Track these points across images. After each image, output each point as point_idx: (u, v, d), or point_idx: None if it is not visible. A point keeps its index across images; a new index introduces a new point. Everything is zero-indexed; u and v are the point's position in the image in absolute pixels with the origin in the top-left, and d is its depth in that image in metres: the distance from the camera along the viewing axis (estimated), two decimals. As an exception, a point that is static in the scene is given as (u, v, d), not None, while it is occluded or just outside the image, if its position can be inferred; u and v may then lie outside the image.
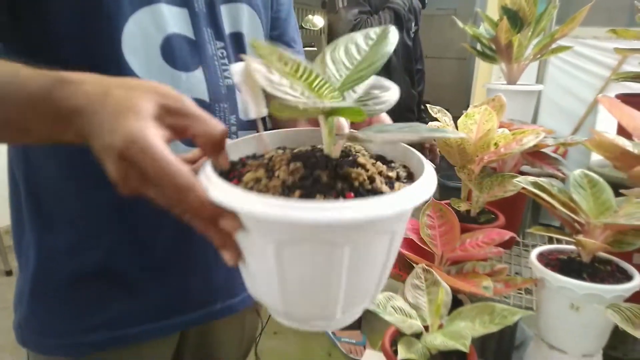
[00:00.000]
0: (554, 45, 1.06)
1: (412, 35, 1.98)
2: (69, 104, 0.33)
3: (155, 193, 0.33)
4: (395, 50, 0.39)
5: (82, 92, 0.33)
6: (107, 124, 0.31)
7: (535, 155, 0.86)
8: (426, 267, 0.63)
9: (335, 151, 0.37)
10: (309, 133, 0.45)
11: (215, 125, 0.34)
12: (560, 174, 0.81)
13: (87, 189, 0.54)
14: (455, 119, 0.79)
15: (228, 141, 0.38)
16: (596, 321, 0.58)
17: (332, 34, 2.02)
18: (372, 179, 0.35)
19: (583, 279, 0.58)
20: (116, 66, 0.49)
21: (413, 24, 1.95)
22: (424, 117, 2.14)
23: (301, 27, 3.33)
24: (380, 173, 0.36)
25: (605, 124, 1.58)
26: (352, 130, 0.41)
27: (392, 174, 0.37)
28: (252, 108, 0.41)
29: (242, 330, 0.75)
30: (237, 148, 0.42)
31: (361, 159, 0.36)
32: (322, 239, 0.31)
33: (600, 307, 0.54)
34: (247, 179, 0.35)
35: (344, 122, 0.42)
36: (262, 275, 0.35)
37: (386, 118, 0.48)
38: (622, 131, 0.74)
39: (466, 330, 0.54)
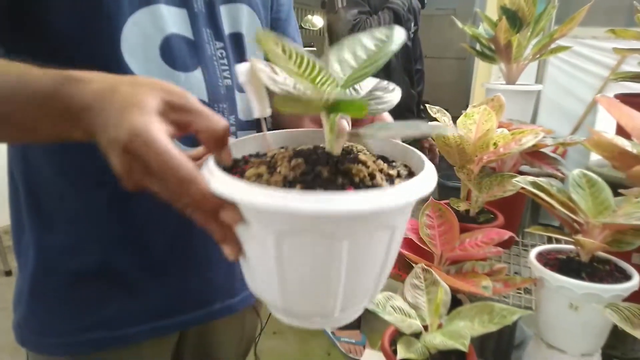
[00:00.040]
0: (553, 45, 1.06)
1: (412, 35, 1.98)
2: (77, 101, 0.34)
3: (159, 186, 0.33)
4: (394, 50, 0.39)
5: (90, 90, 0.34)
6: (113, 119, 0.32)
7: (534, 155, 0.86)
8: (425, 266, 0.63)
9: (336, 149, 0.37)
10: (312, 134, 0.45)
11: (218, 120, 0.35)
12: (559, 174, 0.81)
13: (86, 189, 0.54)
14: (455, 118, 0.80)
15: (231, 139, 0.38)
16: (595, 321, 0.58)
17: (331, 34, 2.02)
18: (372, 176, 0.35)
19: (582, 278, 0.59)
20: (115, 66, 0.49)
21: (412, 24, 1.95)
22: (424, 117, 2.13)
23: (300, 27, 3.33)
24: (381, 171, 0.36)
25: (605, 124, 1.59)
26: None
27: (393, 172, 0.37)
28: (256, 107, 0.41)
29: (242, 330, 0.75)
30: (241, 146, 0.42)
31: (362, 157, 0.37)
32: (321, 232, 0.31)
33: (599, 307, 0.54)
34: (249, 174, 0.35)
35: (345, 124, 0.42)
36: (261, 270, 0.35)
37: (388, 117, 0.49)
38: (621, 131, 0.74)
39: (465, 329, 0.54)
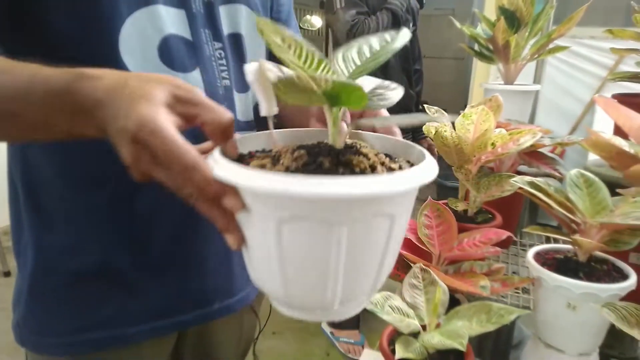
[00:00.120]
0: (551, 45, 1.06)
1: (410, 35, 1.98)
2: (90, 98, 0.35)
3: (165, 175, 0.34)
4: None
5: (101, 86, 0.35)
6: (123, 110, 0.33)
7: (532, 155, 0.86)
8: (424, 266, 0.64)
9: (339, 142, 0.38)
10: (317, 133, 0.46)
11: (223, 112, 0.36)
12: (557, 174, 0.81)
13: (86, 189, 0.54)
14: (453, 119, 0.80)
15: (238, 134, 0.39)
16: (592, 320, 0.59)
17: (334, 35, 2.02)
18: (373, 167, 0.35)
19: (579, 278, 0.59)
20: (114, 66, 0.49)
21: (411, 24, 1.96)
22: (422, 117, 2.14)
23: (299, 27, 3.33)
24: (382, 164, 0.37)
25: (603, 124, 1.59)
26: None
27: (395, 166, 0.37)
28: (263, 106, 0.42)
29: (240, 330, 0.75)
30: (247, 142, 0.43)
31: (364, 150, 0.37)
32: (320, 217, 0.31)
33: (596, 306, 0.55)
34: (252, 165, 0.36)
35: (345, 126, 0.42)
36: (263, 258, 0.35)
37: (387, 115, 0.49)
38: (618, 131, 0.74)
39: (463, 329, 0.54)
